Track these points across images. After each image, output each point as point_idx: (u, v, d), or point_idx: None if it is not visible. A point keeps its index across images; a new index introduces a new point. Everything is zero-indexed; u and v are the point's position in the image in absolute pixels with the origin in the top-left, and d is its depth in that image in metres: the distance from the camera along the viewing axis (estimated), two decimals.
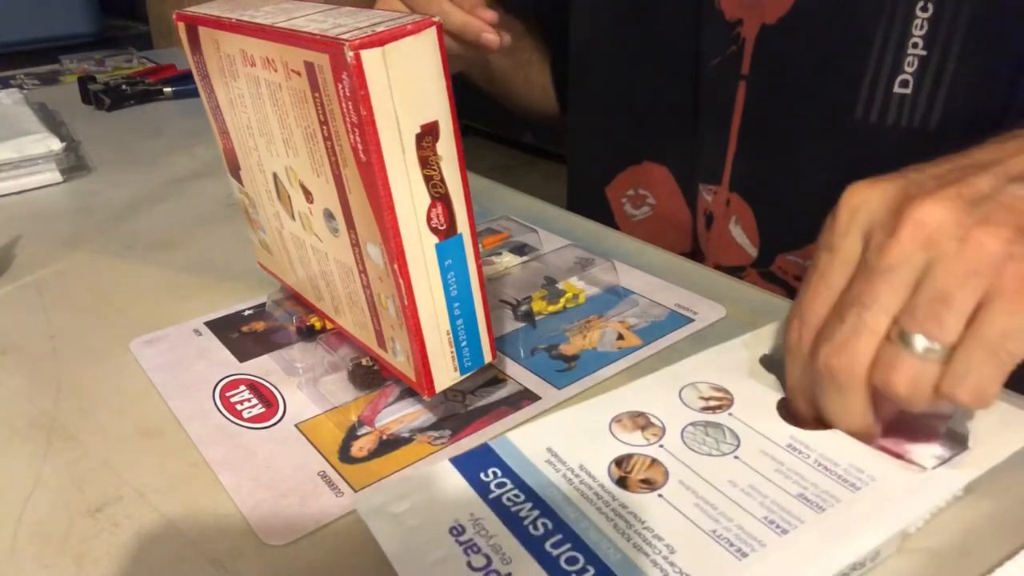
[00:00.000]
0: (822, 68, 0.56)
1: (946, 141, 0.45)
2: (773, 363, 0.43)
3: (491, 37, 0.60)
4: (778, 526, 0.32)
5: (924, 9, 0.49)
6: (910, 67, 0.51)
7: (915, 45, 0.50)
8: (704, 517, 0.33)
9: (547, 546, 0.32)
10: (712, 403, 0.40)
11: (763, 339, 0.44)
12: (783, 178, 0.61)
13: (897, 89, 0.52)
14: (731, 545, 0.32)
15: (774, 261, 0.65)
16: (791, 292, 0.56)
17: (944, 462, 0.35)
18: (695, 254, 0.71)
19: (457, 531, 0.33)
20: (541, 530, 0.33)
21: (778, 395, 0.40)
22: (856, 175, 0.44)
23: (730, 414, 0.39)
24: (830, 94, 0.55)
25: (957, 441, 0.36)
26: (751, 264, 0.67)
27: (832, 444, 0.36)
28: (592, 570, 0.31)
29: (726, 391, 0.41)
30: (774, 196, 0.62)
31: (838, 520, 0.32)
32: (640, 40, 0.67)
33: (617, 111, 0.73)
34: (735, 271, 0.66)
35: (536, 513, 0.34)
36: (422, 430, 0.41)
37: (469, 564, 0.31)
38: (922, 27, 0.50)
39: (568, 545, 0.32)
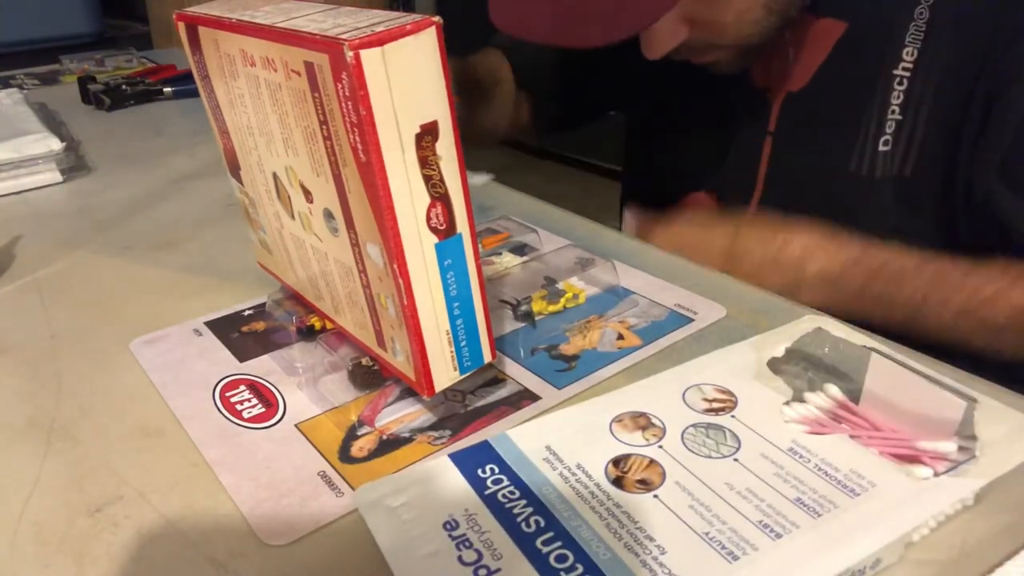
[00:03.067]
0: (829, 130, 0.67)
1: (919, 185, 0.62)
2: (781, 366, 0.43)
3: None
4: (772, 530, 0.32)
5: (900, 83, 0.62)
6: (890, 129, 0.63)
7: (893, 112, 0.63)
8: (698, 519, 0.33)
9: (538, 543, 0.32)
10: (715, 405, 0.40)
11: (771, 342, 0.44)
12: (800, 211, 0.68)
13: (880, 148, 0.64)
14: (723, 548, 0.32)
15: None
16: None
17: (950, 470, 0.35)
18: None
19: (451, 526, 0.33)
20: (533, 527, 0.33)
21: (784, 398, 0.40)
22: (851, 216, 0.62)
23: (733, 416, 0.39)
24: (832, 151, 0.66)
25: (964, 449, 0.35)
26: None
27: (834, 449, 0.36)
28: (580, 568, 0.31)
29: (731, 393, 0.41)
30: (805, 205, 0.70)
31: (833, 526, 0.32)
32: (688, 104, 0.76)
33: (676, 152, 0.82)
34: None
35: (530, 511, 0.34)
36: (422, 430, 0.41)
37: (460, 559, 0.31)
38: (899, 97, 0.63)
39: (559, 543, 0.32)
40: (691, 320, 0.50)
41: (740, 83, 0.70)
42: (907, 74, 0.62)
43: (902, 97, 0.62)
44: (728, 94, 0.72)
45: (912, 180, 0.63)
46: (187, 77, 1.09)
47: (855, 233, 0.62)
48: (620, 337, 0.49)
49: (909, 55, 0.62)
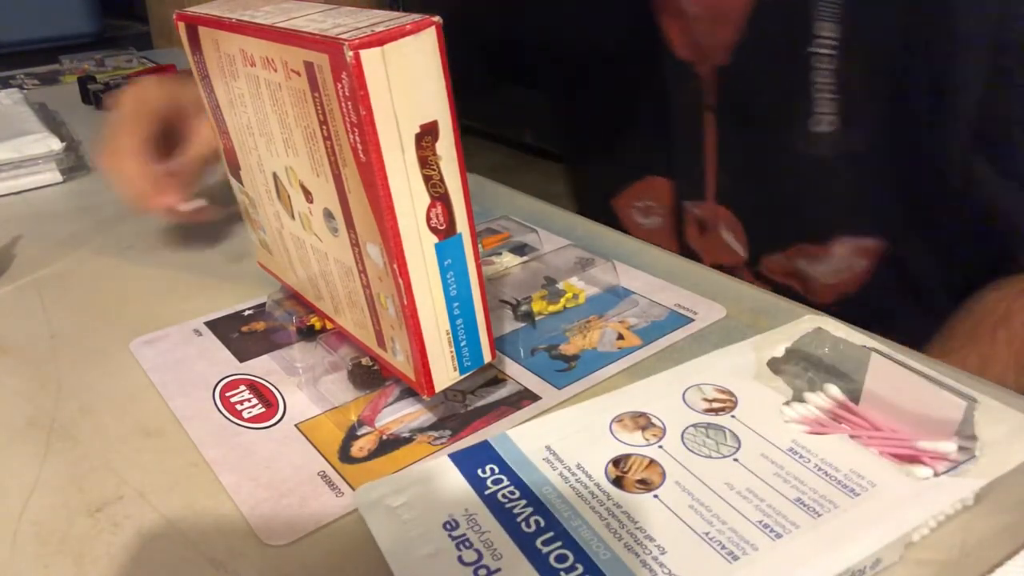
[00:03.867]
0: (763, 108, 0.65)
1: (877, 165, 0.60)
2: (781, 366, 0.43)
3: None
4: (772, 530, 0.32)
5: (827, 61, 0.58)
6: (829, 108, 0.60)
7: (827, 90, 0.59)
8: (698, 519, 0.33)
9: (538, 543, 0.32)
10: (715, 405, 0.40)
11: (771, 342, 0.44)
12: (761, 191, 0.67)
13: (824, 127, 0.61)
14: (723, 548, 0.32)
15: (760, 262, 0.70)
16: (777, 289, 0.60)
17: (950, 470, 0.35)
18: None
19: (451, 526, 0.33)
20: (533, 527, 0.33)
21: (784, 398, 0.40)
22: (811, 197, 0.60)
23: (733, 416, 0.39)
24: (773, 130, 0.64)
25: (964, 449, 0.35)
26: (743, 264, 0.72)
27: (834, 449, 0.36)
28: (580, 568, 0.31)
29: (731, 393, 0.41)
30: (757, 206, 0.69)
31: (833, 526, 0.32)
32: (622, 76, 0.73)
33: (617, 132, 0.78)
34: (728, 271, 0.69)
35: (530, 511, 0.34)
36: (422, 430, 0.41)
37: (460, 559, 0.31)
38: (830, 76, 0.59)
39: (559, 543, 0.32)
40: (691, 320, 0.50)
41: (661, 55, 0.67)
42: (833, 52, 0.58)
43: (834, 76, 0.59)
44: (652, 68, 0.68)
45: (867, 160, 0.61)
46: None
47: (823, 215, 0.61)
48: (620, 337, 0.49)
49: (829, 32, 0.58)
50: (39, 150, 0.78)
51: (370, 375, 0.45)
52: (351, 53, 0.32)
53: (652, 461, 0.36)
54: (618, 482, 0.35)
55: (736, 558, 0.31)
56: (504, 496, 0.35)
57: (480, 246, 0.60)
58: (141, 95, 0.59)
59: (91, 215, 0.72)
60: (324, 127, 0.36)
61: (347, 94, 0.33)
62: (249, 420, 0.43)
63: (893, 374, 0.38)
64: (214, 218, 0.61)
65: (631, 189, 0.77)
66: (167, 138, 0.58)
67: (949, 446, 0.35)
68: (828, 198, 0.63)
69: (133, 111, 0.58)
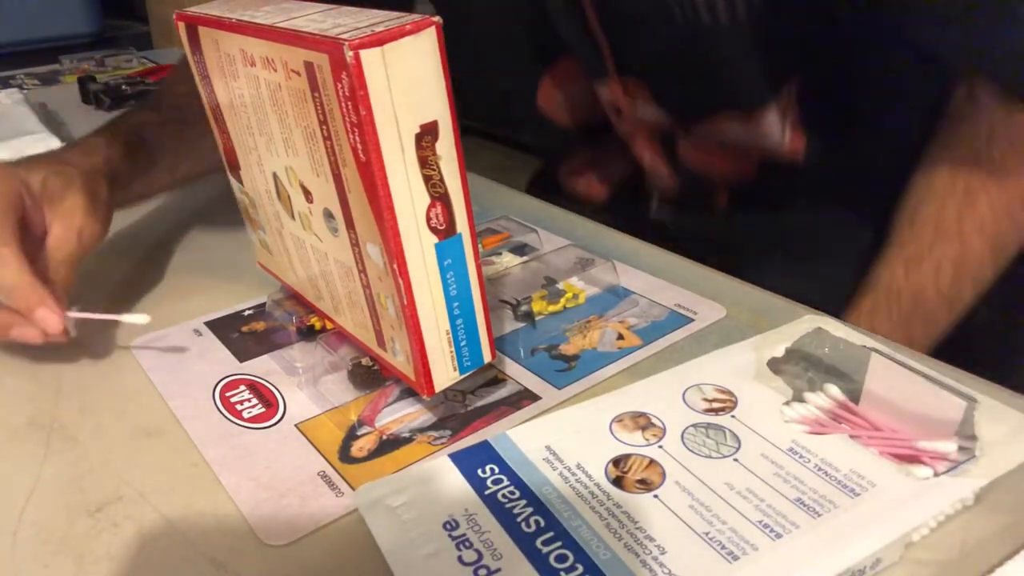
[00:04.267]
0: None
1: (767, 29, 0.56)
2: (781, 366, 0.43)
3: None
4: (772, 530, 0.32)
5: None
6: None
7: None
8: (698, 519, 0.33)
9: (538, 543, 0.32)
10: (715, 405, 0.40)
11: (771, 342, 0.44)
12: (657, 55, 0.65)
13: None
14: (723, 547, 0.32)
15: (690, 130, 0.70)
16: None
17: (950, 470, 0.35)
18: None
19: (451, 526, 0.33)
20: (533, 527, 0.33)
21: (784, 398, 0.40)
22: (709, 67, 0.57)
23: (733, 416, 0.39)
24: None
25: (964, 449, 0.35)
26: (678, 127, 0.71)
27: (834, 449, 0.36)
28: (580, 568, 0.31)
29: (731, 393, 0.41)
30: (659, 69, 0.67)
31: (833, 526, 0.32)
32: None
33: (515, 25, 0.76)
34: (665, 137, 0.71)
35: (530, 511, 0.34)
36: (422, 430, 0.41)
37: (460, 559, 0.31)
38: None
39: (559, 543, 0.32)
40: (691, 320, 0.50)
41: None
42: None
43: None
44: None
45: (756, 26, 0.58)
46: None
47: (723, 85, 0.60)
48: (620, 337, 0.49)
49: None
50: (39, 150, 0.78)
51: (370, 375, 0.45)
52: (351, 53, 0.32)
53: (652, 461, 0.36)
54: (618, 482, 0.35)
55: (736, 558, 0.31)
56: (504, 496, 0.35)
57: (480, 246, 0.60)
58: None
59: None
60: (324, 127, 0.36)
61: (347, 94, 0.33)
62: (249, 420, 0.43)
63: (893, 374, 0.38)
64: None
65: (553, 73, 0.76)
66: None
67: (949, 446, 0.35)
68: (723, 68, 0.61)
69: None
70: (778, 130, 0.64)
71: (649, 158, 0.74)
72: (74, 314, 0.47)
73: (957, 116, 0.57)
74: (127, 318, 0.48)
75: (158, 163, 0.61)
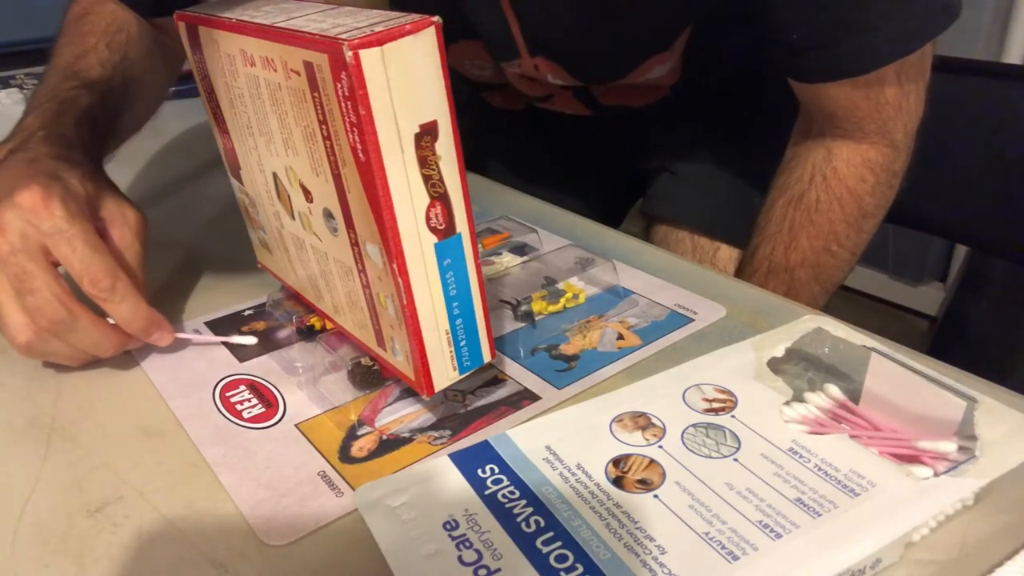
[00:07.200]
0: None
1: None
2: (781, 366, 0.43)
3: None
4: (772, 530, 0.32)
5: None
6: None
7: None
8: (698, 519, 0.33)
9: (538, 543, 0.32)
10: (715, 405, 0.40)
11: (772, 341, 0.44)
12: (566, 33, 0.67)
13: None
14: (723, 548, 0.32)
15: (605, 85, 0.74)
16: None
17: (950, 470, 0.35)
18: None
19: (451, 526, 0.33)
20: (533, 527, 0.33)
21: (784, 398, 0.40)
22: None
23: (733, 416, 0.39)
24: None
25: (964, 449, 0.35)
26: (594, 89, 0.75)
27: (834, 449, 0.36)
28: (580, 568, 0.31)
29: (731, 393, 0.41)
30: (567, 48, 0.69)
31: (833, 526, 0.32)
32: None
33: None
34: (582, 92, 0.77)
35: (530, 511, 0.34)
36: (422, 430, 0.41)
37: (460, 559, 0.31)
38: None
39: (559, 543, 0.32)
40: (691, 320, 0.50)
41: None
42: None
43: None
44: None
45: None
46: (187, 77, 1.09)
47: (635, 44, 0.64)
48: (620, 337, 0.49)
49: None
50: None
51: (370, 375, 0.45)
52: (351, 53, 0.32)
53: (652, 461, 0.36)
54: (618, 482, 0.35)
55: (736, 558, 0.31)
56: (504, 496, 0.35)
57: (480, 246, 0.60)
58: (62, 189, 0.44)
59: None
60: (324, 127, 0.36)
61: (347, 94, 0.33)
62: (249, 420, 0.43)
63: (893, 374, 0.38)
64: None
65: (450, 49, 0.76)
66: None
67: (949, 446, 0.35)
68: (637, 26, 0.64)
69: (76, 211, 0.43)
70: (665, 70, 0.70)
71: (567, 105, 0.80)
72: (183, 335, 0.49)
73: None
74: (237, 339, 0.49)
75: (118, 132, 0.62)
